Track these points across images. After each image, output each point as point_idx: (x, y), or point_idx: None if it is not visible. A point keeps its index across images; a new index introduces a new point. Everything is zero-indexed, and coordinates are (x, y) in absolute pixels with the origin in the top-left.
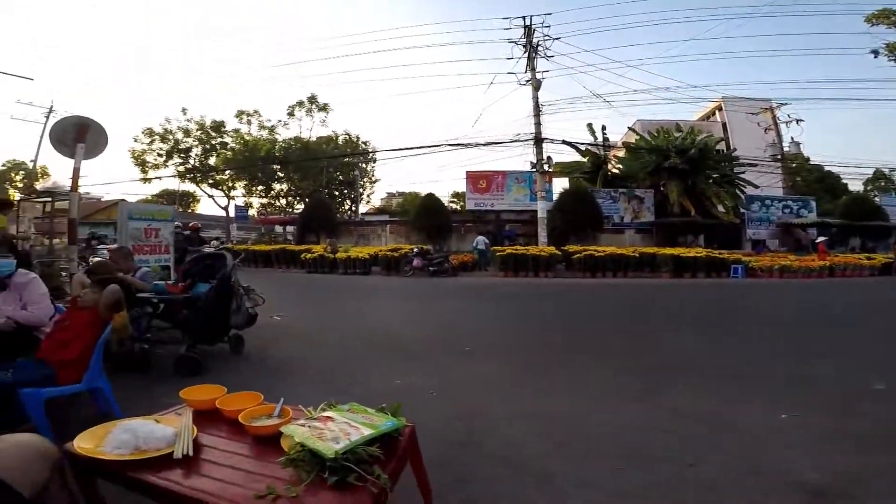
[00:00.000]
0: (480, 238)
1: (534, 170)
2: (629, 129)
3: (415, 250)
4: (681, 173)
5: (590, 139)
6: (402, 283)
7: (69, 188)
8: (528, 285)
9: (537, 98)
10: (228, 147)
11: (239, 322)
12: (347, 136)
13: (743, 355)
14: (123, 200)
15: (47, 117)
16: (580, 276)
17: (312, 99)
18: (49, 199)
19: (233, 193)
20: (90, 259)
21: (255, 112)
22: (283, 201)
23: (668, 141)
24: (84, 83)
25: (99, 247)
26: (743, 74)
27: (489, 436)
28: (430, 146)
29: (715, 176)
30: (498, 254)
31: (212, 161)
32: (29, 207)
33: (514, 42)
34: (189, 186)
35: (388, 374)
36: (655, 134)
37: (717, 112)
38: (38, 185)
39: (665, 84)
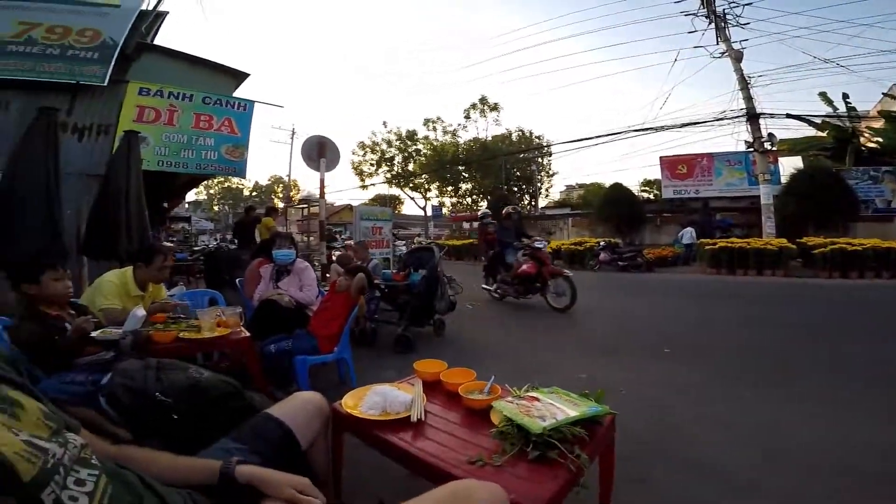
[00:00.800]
0: (687, 230)
1: (751, 149)
2: (885, 95)
3: (601, 244)
4: None
5: (824, 111)
6: (588, 277)
7: (318, 196)
8: (746, 284)
9: (741, 70)
10: (421, 153)
11: (442, 308)
12: (521, 133)
13: None
14: (352, 205)
15: (292, 139)
16: (824, 275)
17: (483, 100)
18: (305, 205)
19: (428, 195)
20: (332, 254)
21: (439, 118)
22: (470, 199)
23: None
24: (314, 105)
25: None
26: None
27: (676, 438)
28: (614, 133)
29: None
30: (707, 247)
31: (410, 167)
32: (289, 212)
33: (694, 14)
34: (395, 190)
35: (572, 367)
36: None
37: None
38: (294, 195)
39: None
